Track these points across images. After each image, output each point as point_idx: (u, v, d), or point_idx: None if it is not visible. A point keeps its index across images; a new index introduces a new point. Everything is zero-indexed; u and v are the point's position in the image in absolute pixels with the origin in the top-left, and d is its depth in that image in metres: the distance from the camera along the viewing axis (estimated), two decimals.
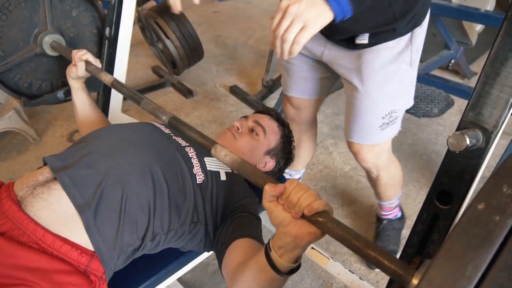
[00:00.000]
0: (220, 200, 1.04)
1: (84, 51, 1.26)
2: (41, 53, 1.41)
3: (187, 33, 2.59)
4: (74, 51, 1.26)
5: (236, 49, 3.51)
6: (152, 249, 0.97)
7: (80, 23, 1.49)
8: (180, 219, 0.96)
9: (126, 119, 1.66)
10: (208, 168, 1.04)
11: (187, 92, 2.73)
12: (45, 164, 0.96)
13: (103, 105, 1.59)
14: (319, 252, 1.17)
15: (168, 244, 0.99)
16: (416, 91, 1.97)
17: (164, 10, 2.58)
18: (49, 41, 1.38)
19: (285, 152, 1.32)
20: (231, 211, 1.02)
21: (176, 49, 2.59)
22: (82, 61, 1.23)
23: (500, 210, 0.41)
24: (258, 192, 0.71)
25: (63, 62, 1.42)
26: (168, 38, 2.56)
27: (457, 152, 0.64)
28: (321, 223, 0.64)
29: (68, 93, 1.46)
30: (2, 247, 0.78)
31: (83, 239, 0.85)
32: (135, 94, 1.06)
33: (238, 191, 1.08)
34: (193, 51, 2.67)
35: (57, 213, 0.85)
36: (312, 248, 1.19)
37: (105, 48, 1.49)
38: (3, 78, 1.38)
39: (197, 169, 1.02)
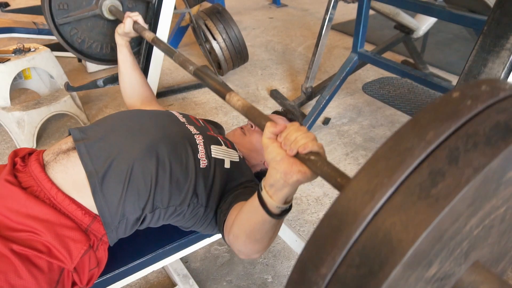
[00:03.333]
0: (222, 186, 1.10)
1: (137, 13, 1.40)
2: (99, 14, 1.57)
3: (233, 36, 2.70)
4: (127, 12, 1.41)
5: (285, 55, 3.57)
6: (154, 223, 1.06)
7: None
8: (180, 197, 1.04)
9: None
10: (213, 155, 1.11)
11: None
12: (69, 134, 1.09)
13: None
14: None
15: (168, 219, 1.07)
16: None
17: (213, 12, 2.71)
18: (108, 4, 1.54)
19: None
20: (233, 190, 1.09)
21: (221, 50, 2.71)
22: (131, 18, 1.38)
23: (474, 97, 0.42)
24: None
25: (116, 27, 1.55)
26: (214, 39, 2.68)
27: None
28: (312, 161, 0.65)
29: (107, 81, 1.60)
30: (21, 198, 0.92)
31: (89, 202, 0.97)
32: (169, 49, 1.21)
33: (243, 179, 1.14)
34: (238, 54, 2.77)
35: (70, 176, 0.98)
36: None
37: (143, 44, 1.62)
38: (61, 30, 1.56)
39: (201, 155, 1.09)
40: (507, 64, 0.67)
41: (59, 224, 0.91)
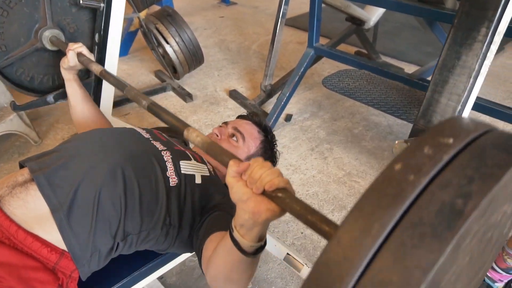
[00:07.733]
0: (196, 203, 1.04)
1: (80, 44, 1.30)
2: (42, 47, 1.44)
3: (186, 39, 2.63)
4: (70, 43, 1.31)
5: (239, 54, 3.53)
6: (126, 250, 0.99)
7: (80, 19, 1.51)
8: (153, 220, 0.97)
9: (115, 122, 1.69)
10: (182, 172, 1.05)
11: (186, 96, 2.76)
12: (21, 166, 0.99)
13: None
14: (294, 258, 1.16)
15: (141, 245, 1.01)
16: (410, 97, 1.96)
17: (164, 15, 2.62)
18: (48, 36, 1.41)
19: (266, 157, 1.32)
20: (207, 211, 1.04)
21: (175, 54, 2.63)
22: (73, 51, 1.28)
23: (416, 169, 0.40)
24: None
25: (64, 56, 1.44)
26: (167, 43, 2.60)
27: None
28: (280, 198, 0.64)
29: (58, 96, 1.49)
30: None
31: (54, 237, 0.88)
32: (119, 82, 1.13)
33: (215, 193, 1.09)
34: (193, 56, 2.71)
35: (32, 211, 0.88)
36: (288, 254, 1.19)
37: (95, 54, 1.52)
38: (5, 72, 1.42)
39: (170, 172, 1.03)
40: (480, 56, 0.67)
41: (22, 266, 0.82)
